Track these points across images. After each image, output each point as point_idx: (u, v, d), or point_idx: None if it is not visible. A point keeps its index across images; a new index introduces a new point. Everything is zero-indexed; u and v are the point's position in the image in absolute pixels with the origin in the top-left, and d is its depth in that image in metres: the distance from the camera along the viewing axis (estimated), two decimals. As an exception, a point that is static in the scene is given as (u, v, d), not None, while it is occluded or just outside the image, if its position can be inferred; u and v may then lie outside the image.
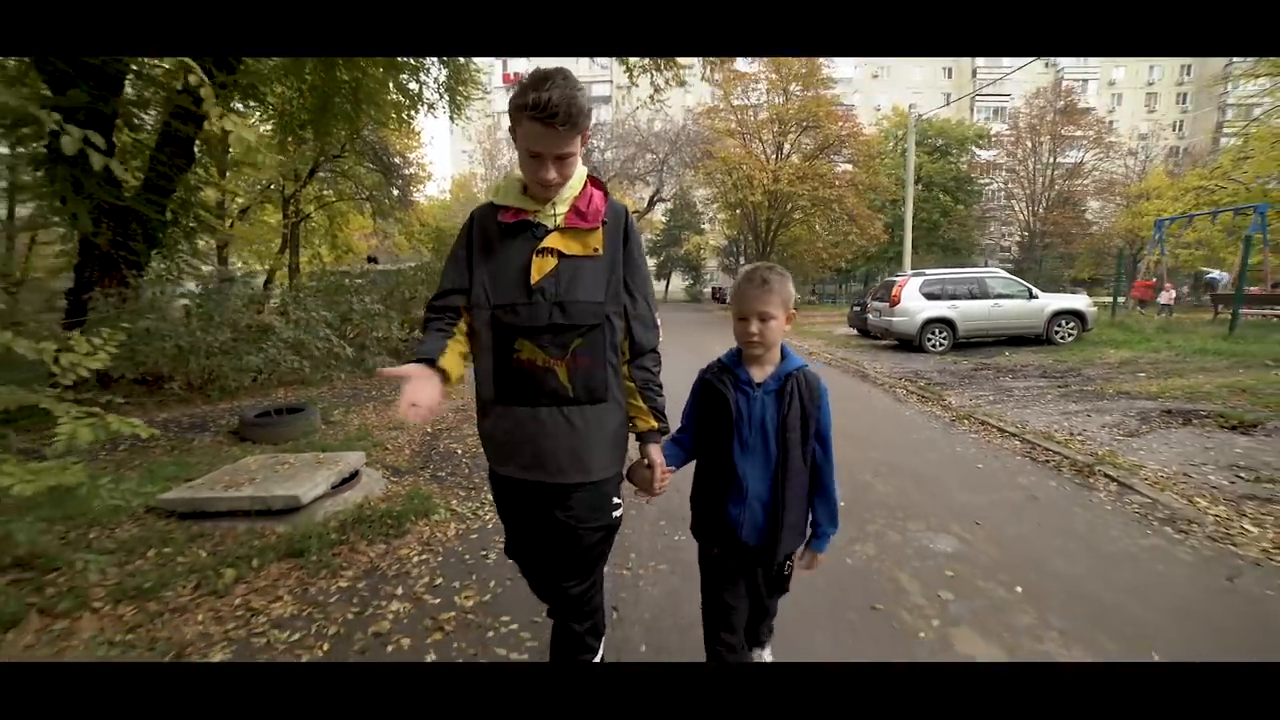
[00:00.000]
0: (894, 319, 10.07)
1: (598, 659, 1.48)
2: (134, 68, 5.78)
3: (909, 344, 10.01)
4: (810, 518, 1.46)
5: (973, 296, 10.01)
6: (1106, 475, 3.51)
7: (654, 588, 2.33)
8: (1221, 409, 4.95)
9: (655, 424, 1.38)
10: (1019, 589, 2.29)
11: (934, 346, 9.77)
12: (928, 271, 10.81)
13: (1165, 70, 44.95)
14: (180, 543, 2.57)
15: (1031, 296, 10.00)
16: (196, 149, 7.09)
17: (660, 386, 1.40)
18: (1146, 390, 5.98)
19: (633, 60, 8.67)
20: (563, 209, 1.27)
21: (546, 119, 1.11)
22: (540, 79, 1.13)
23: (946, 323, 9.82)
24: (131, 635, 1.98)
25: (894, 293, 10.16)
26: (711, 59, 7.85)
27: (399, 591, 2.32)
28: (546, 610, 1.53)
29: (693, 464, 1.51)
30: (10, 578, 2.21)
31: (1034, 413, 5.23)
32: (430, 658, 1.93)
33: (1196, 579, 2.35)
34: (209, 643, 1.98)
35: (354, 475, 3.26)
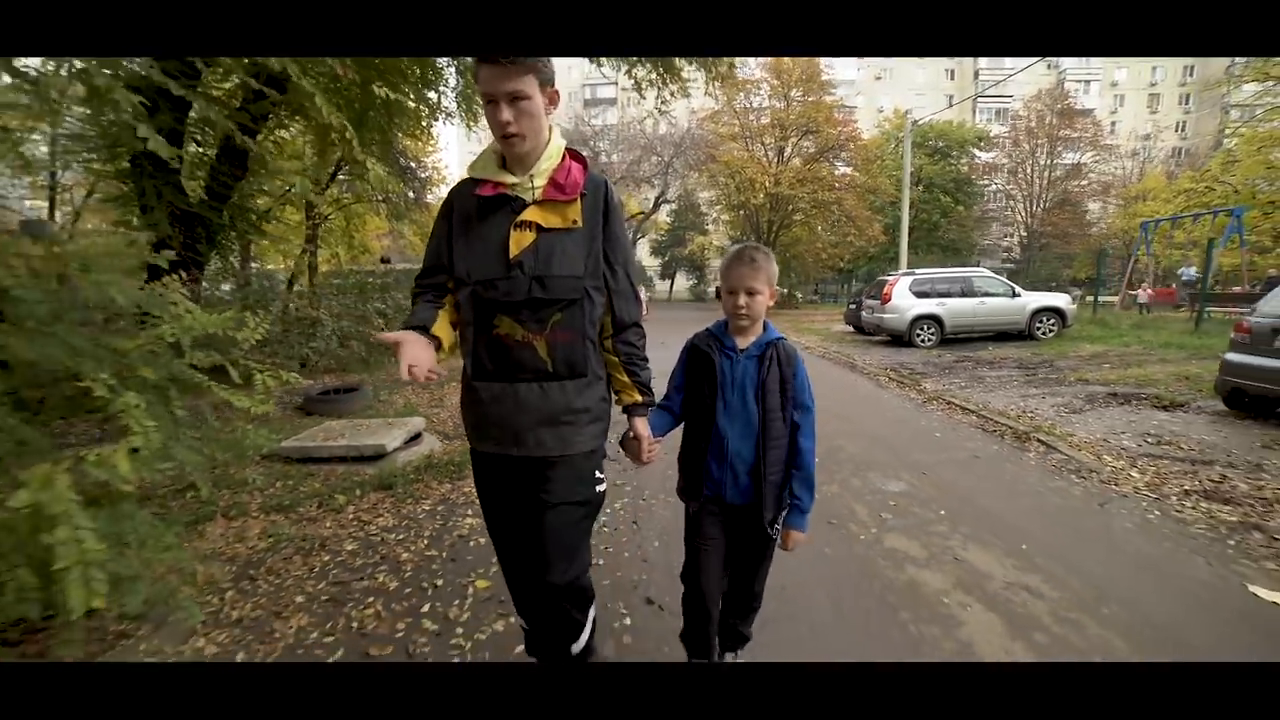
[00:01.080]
0: (885, 316, 10.75)
1: (588, 629, 1.46)
2: (201, 90, 6.55)
3: (900, 339, 10.68)
4: (787, 482, 1.50)
5: (959, 295, 10.67)
6: (1039, 440, 4.21)
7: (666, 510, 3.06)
8: (1160, 392, 5.64)
9: (640, 398, 1.39)
10: (943, 512, 3.00)
11: (922, 341, 10.44)
12: (917, 271, 11.47)
13: (1168, 71, 45.19)
14: (298, 478, 3.32)
15: (1014, 295, 10.67)
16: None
17: (645, 360, 1.42)
18: (1104, 378, 6.66)
19: (640, 74, 9.35)
20: (540, 181, 1.26)
21: (487, 60, 1.14)
22: None
23: (934, 319, 10.49)
24: (287, 532, 2.73)
25: (885, 291, 10.85)
26: (714, 72, 8.50)
27: (469, 512, 3.06)
28: (525, 624, 1.52)
29: (680, 430, 1.57)
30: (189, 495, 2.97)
31: (997, 396, 5.93)
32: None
33: (1077, 505, 3.06)
34: (339, 539, 2.72)
35: (418, 435, 4.01)
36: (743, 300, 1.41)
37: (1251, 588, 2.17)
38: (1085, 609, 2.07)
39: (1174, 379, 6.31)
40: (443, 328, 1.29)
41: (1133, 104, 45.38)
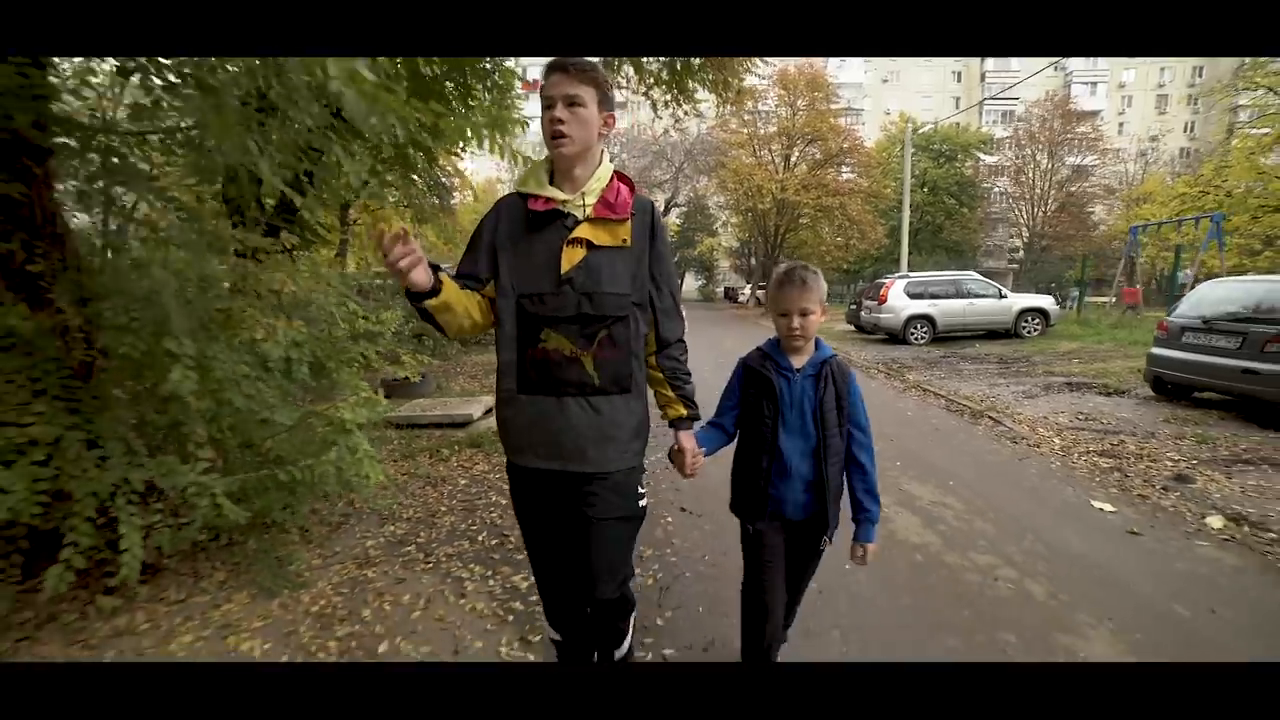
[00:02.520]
0: (882, 315, 11.67)
1: (630, 636, 1.53)
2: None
3: (895, 337, 11.59)
4: (853, 498, 1.52)
5: (951, 296, 11.57)
6: (990, 417, 5.18)
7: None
8: (1109, 382, 6.57)
9: (685, 411, 1.42)
10: (899, 463, 3.98)
11: (916, 339, 11.34)
12: (911, 274, 12.37)
13: (1176, 72, 45.37)
14: (409, 438, 4.38)
15: (1001, 296, 11.55)
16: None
17: (688, 375, 1.45)
18: (1068, 371, 7.57)
19: (656, 95, 10.29)
20: (591, 199, 1.28)
21: (556, 65, 1.22)
22: None
23: (927, 319, 11.39)
24: (420, 471, 3.77)
25: (881, 293, 11.77)
26: (724, 96, 9.42)
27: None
28: (556, 636, 1.51)
29: (731, 446, 1.59)
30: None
31: (969, 385, 6.87)
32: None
33: (1002, 460, 4.04)
34: (454, 478, 3.75)
35: (488, 410, 5.06)
36: (796, 322, 1.42)
37: (1094, 503, 3.15)
38: (976, 514, 3.06)
39: (1128, 371, 7.21)
40: (450, 284, 1.24)
41: (1140, 105, 45.60)
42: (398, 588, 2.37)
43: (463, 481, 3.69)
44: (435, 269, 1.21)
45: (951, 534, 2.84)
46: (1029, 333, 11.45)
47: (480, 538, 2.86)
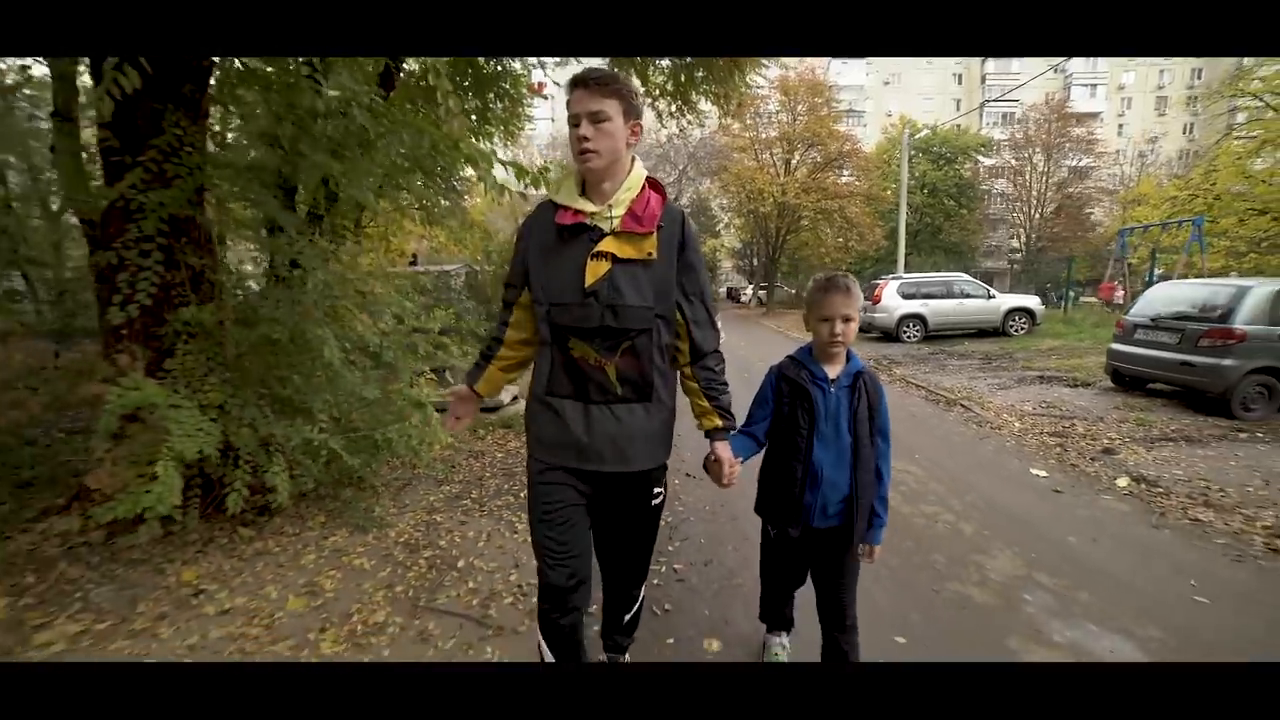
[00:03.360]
0: (876, 315, 12.24)
1: (639, 602, 1.67)
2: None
3: (889, 335, 12.18)
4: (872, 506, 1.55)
5: (942, 296, 12.15)
6: (962, 405, 5.78)
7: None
8: (1078, 375, 7.16)
9: (720, 422, 1.43)
10: (874, 443, 4.60)
11: (908, 337, 11.92)
12: (905, 275, 12.96)
13: (1175, 74, 45.73)
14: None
15: (990, 296, 12.13)
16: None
17: (725, 385, 1.45)
18: (1044, 366, 8.16)
19: (661, 106, 10.88)
20: (619, 211, 1.30)
21: (578, 81, 1.26)
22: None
23: (919, 318, 11.97)
24: (462, 447, 4.40)
25: (876, 293, 12.35)
26: (726, 110, 9.99)
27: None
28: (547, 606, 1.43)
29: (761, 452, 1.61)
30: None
31: (950, 379, 7.46)
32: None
33: (965, 440, 4.65)
34: (491, 452, 4.37)
35: (515, 396, 5.69)
36: (839, 328, 1.44)
37: (1033, 470, 3.77)
38: (933, 479, 3.67)
39: (1098, 366, 7.77)
40: (484, 383, 1.51)
41: (1140, 107, 45.97)
42: (462, 527, 3.01)
43: (500, 454, 4.32)
44: (471, 377, 1.52)
45: (909, 493, 3.45)
46: (1016, 331, 12.02)
47: (521, 495, 3.49)
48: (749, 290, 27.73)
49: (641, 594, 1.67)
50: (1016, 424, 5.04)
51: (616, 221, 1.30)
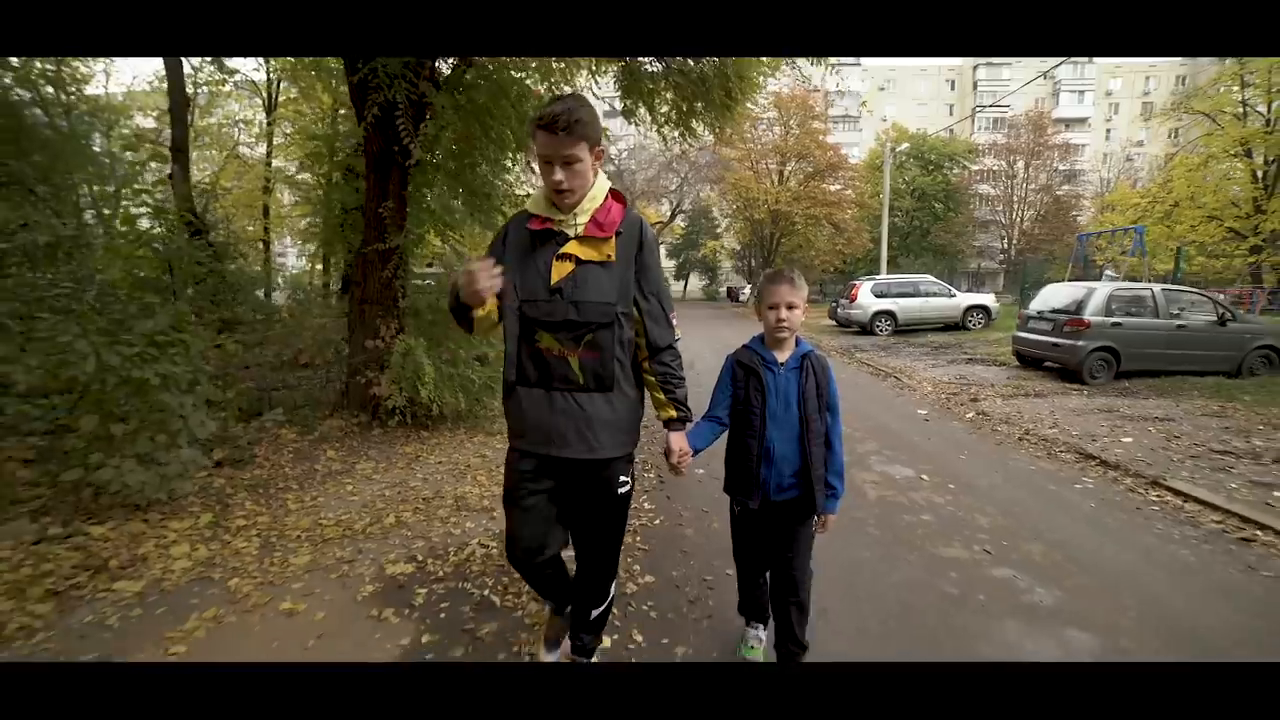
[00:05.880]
0: (853, 311, 14.05)
1: (609, 598, 1.70)
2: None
3: (864, 329, 13.98)
4: (825, 479, 1.67)
5: (909, 295, 13.95)
6: (895, 376, 7.63)
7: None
8: (1000, 358, 8.98)
9: (675, 413, 1.57)
10: (821, 400, 6.44)
11: (880, 331, 13.71)
12: (878, 276, 14.77)
13: (1161, 80, 47.31)
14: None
15: (951, 295, 13.94)
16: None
17: (680, 379, 1.58)
18: (979, 352, 9.97)
19: (665, 131, 12.62)
20: (583, 219, 1.45)
21: (547, 127, 1.34)
22: (552, 100, 1.40)
23: (890, 314, 13.78)
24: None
25: (852, 293, 14.18)
26: (721, 134, 11.67)
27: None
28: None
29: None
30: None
31: (897, 360, 9.28)
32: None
33: (890, 397, 6.48)
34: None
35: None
36: (784, 314, 1.60)
37: (919, 411, 5.61)
38: (854, 416, 5.50)
39: (1021, 352, 9.61)
40: (491, 299, 1.47)
41: (1127, 112, 47.58)
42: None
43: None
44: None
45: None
46: (974, 325, 13.82)
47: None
48: (747, 290, 29.52)
49: (612, 591, 1.71)
50: (929, 388, 6.87)
51: (580, 228, 1.45)
